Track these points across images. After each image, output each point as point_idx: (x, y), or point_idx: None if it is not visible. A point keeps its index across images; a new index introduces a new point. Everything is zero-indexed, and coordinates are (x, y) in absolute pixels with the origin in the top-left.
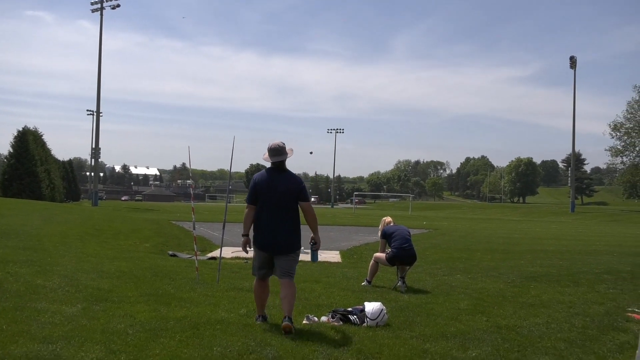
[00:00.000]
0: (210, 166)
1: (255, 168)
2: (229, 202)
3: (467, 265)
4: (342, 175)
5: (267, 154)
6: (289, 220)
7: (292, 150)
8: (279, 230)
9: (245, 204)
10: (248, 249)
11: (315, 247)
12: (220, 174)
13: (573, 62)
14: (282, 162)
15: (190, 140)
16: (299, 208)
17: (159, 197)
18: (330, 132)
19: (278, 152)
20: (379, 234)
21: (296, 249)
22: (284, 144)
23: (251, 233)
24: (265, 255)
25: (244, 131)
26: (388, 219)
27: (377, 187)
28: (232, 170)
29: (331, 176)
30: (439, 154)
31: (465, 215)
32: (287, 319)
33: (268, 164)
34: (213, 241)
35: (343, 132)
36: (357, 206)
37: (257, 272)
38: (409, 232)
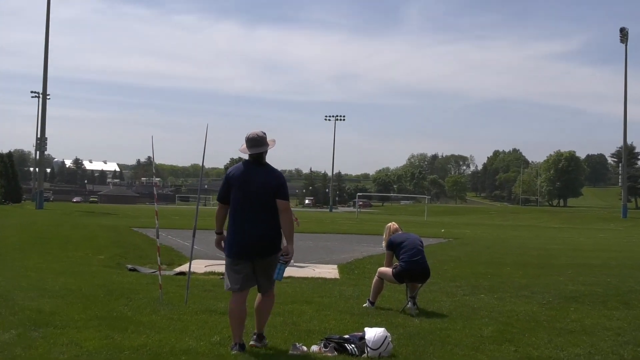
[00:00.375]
0: (183, 161)
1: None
2: (203, 205)
3: (493, 283)
4: (342, 173)
5: (244, 144)
6: (266, 219)
7: (274, 141)
8: (255, 230)
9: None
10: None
11: (286, 258)
12: (194, 171)
13: (624, 34)
14: (262, 154)
15: (158, 128)
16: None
17: (118, 198)
18: (329, 120)
19: (257, 143)
20: (384, 244)
21: (277, 250)
22: (264, 133)
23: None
24: (243, 263)
25: (223, 118)
26: (394, 225)
27: (385, 187)
28: (209, 165)
29: (330, 173)
30: (461, 147)
31: (492, 222)
32: (256, 338)
33: (246, 156)
34: (183, 252)
35: (344, 120)
36: (361, 210)
37: (234, 285)
38: (421, 242)
